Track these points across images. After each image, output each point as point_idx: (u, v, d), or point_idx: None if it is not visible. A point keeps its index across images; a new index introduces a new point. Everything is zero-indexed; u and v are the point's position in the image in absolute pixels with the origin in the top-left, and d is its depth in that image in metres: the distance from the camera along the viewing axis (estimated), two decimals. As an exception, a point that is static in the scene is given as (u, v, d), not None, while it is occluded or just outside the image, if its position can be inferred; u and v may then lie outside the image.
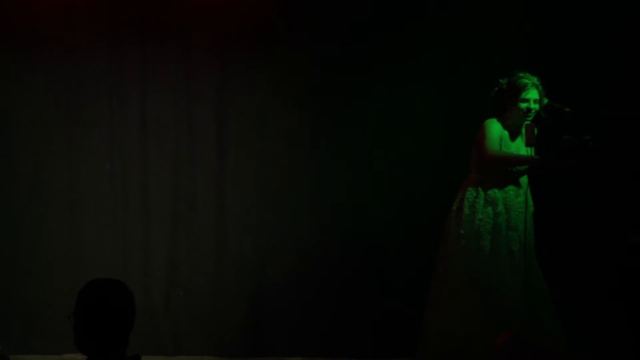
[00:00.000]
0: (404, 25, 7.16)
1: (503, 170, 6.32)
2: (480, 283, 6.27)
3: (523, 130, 6.25)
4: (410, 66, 7.15)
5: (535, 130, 6.25)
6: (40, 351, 5.92)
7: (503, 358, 3.53)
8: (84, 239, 7.14)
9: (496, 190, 6.30)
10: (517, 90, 6.24)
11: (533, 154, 6.28)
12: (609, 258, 6.26)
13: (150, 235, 7.22)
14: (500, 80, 6.28)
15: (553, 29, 7.00)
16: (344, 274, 7.16)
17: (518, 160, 6.27)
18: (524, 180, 6.35)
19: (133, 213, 7.25)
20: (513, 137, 6.44)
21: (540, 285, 6.33)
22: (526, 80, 6.22)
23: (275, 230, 7.23)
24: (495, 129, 6.27)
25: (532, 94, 6.20)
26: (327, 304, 7.11)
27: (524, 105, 6.19)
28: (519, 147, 6.35)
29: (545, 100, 6.21)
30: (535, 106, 6.21)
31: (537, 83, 6.24)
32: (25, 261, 7.12)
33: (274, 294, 7.19)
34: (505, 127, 6.31)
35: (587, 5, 6.92)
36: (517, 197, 6.30)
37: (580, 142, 5.91)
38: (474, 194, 6.35)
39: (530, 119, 6.23)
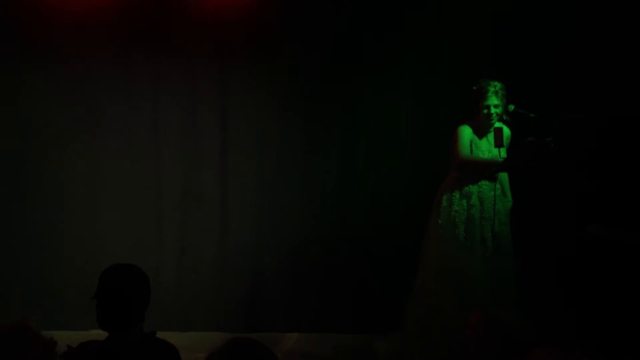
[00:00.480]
0: (387, 36, 7.31)
1: (474, 170, 6.50)
2: (453, 267, 6.48)
3: (492, 132, 6.38)
4: (392, 73, 7.36)
5: (507, 132, 6.48)
6: (68, 327, 5.97)
7: (476, 335, 3.59)
8: (104, 228, 7.36)
9: (470, 185, 6.51)
10: (480, 97, 6.42)
11: (504, 154, 6.39)
12: (568, 246, 6.30)
13: (162, 224, 7.47)
14: (473, 87, 6.45)
15: (520, 43, 7.09)
16: (333, 260, 7.37)
17: (485, 163, 6.42)
18: (503, 176, 6.53)
19: (147, 206, 7.46)
20: (482, 139, 6.60)
21: (507, 273, 6.52)
22: (487, 87, 6.39)
23: (271, 220, 7.44)
24: (465, 133, 6.47)
25: (492, 100, 6.37)
26: (318, 285, 7.36)
27: (485, 110, 6.39)
28: (490, 148, 6.49)
29: (512, 107, 6.35)
30: (495, 110, 6.38)
31: (498, 89, 6.40)
32: (55, 248, 7.35)
33: (271, 277, 7.42)
34: (475, 130, 6.49)
35: (550, 22, 7.04)
36: (491, 190, 6.47)
37: (542, 143, 6.13)
38: (451, 189, 6.58)
39: (493, 122, 6.42)
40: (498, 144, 6.32)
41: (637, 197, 5.85)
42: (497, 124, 6.46)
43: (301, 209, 7.45)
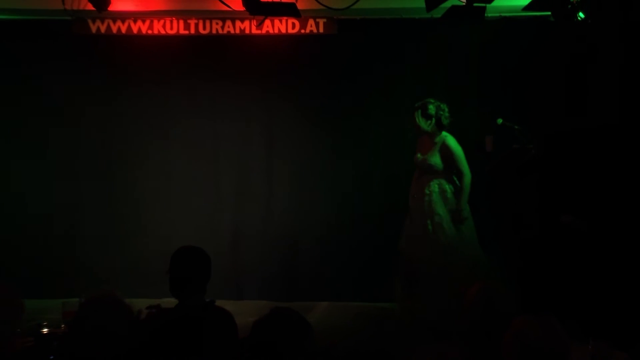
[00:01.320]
0: (392, 67, 7.31)
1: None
2: (427, 251, 6.19)
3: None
4: (396, 94, 7.28)
5: (445, 141, 6.22)
6: (146, 296, 5.80)
7: (475, 304, 3.29)
8: (174, 217, 7.39)
9: (444, 184, 6.28)
10: None
11: (420, 157, 6.30)
12: (544, 233, 6.14)
13: (220, 215, 7.47)
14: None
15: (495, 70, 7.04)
16: (354, 240, 7.27)
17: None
18: (466, 181, 6.20)
19: (207, 200, 7.48)
20: (421, 145, 6.43)
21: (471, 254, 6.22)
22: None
23: (305, 210, 7.41)
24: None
25: (415, 116, 6.30)
26: (343, 261, 7.24)
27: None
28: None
29: (500, 120, 6.24)
30: (417, 124, 6.28)
31: (417, 106, 6.28)
32: (136, 232, 7.41)
33: (305, 256, 7.38)
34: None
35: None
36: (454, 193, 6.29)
37: (525, 149, 6.06)
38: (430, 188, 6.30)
39: (418, 133, 6.34)
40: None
41: (597, 195, 5.79)
42: (445, 135, 6.29)
43: (328, 201, 7.40)
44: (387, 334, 6.09)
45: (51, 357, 3.48)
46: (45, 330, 4.07)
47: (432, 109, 6.26)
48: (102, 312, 2.86)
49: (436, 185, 6.30)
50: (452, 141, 6.30)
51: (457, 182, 6.29)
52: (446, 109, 6.28)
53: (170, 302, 3.84)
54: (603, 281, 5.37)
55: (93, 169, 7.48)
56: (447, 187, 6.29)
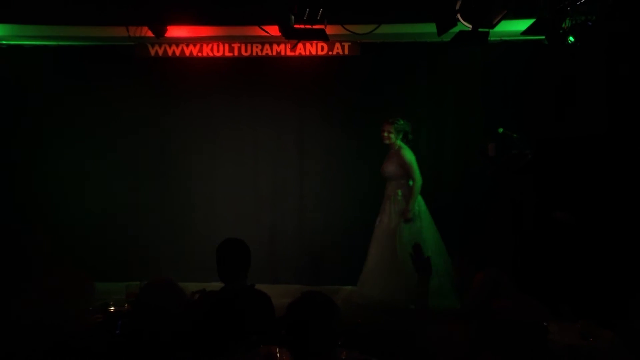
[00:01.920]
0: (408, 84, 7.27)
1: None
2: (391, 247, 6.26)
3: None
4: (411, 107, 7.15)
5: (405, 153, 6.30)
6: (196, 280, 5.71)
7: (482, 288, 3.33)
8: (218, 213, 7.39)
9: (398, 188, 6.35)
10: None
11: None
12: (539, 226, 6.01)
13: (258, 211, 7.45)
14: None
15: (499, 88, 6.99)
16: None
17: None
18: (417, 186, 6.25)
19: (248, 197, 7.45)
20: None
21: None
22: None
23: (331, 206, 7.38)
24: None
25: (388, 129, 6.35)
26: (366, 249, 6.75)
27: None
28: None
29: (501, 130, 6.24)
30: (388, 136, 6.34)
31: (390, 121, 6.34)
32: (188, 226, 7.42)
33: (332, 246, 7.29)
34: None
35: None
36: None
37: (523, 154, 6.10)
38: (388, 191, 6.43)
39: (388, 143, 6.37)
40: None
41: (585, 193, 5.75)
42: (402, 146, 6.36)
43: (352, 197, 7.34)
44: (405, 315, 5.98)
45: (117, 332, 3.52)
46: (112, 308, 4.15)
47: (403, 125, 6.37)
48: (160, 293, 2.90)
49: (394, 189, 6.38)
50: (407, 152, 6.36)
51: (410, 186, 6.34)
52: (410, 127, 6.41)
53: (216, 285, 3.87)
54: (591, 267, 5.35)
55: (151, 172, 7.51)
56: (399, 192, 6.35)
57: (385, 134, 6.36)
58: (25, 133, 7.37)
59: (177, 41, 7.23)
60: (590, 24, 5.62)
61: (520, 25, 5.98)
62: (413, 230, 6.23)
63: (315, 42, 7.12)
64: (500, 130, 6.29)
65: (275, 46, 7.28)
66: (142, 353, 2.75)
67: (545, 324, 2.92)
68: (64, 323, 2.90)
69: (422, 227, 6.30)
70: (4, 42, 7.28)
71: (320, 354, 2.67)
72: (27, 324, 2.83)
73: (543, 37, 6.07)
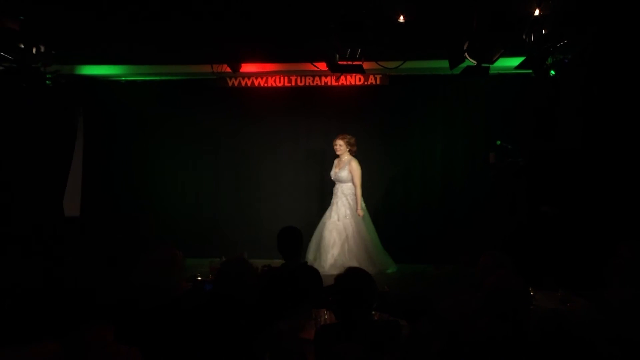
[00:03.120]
0: (425, 110, 7.16)
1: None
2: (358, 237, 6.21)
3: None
4: (429, 122, 7.16)
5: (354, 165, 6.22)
6: (263, 257, 5.60)
7: (486, 267, 3.14)
8: (280, 206, 7.30)
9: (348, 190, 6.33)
10: None
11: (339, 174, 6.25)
12: (531, 217, 5.83)
13: (310, 203, 7.28)
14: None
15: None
16: (399, 219, 7.12)
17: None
18: (357, 192, 6.25)
19: (300, 194, 7.35)
20: (337, 164, 6.40)
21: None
22: None
23: (372, 198, 6.91)
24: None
25: (341, 142, 6.32)
26: (392, 232, 6.85)
27: None
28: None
29: (498, 142, 6.07)
30: (339, 147, 6.30)
31: (341, 136, 6.32)
32: (256, 216, 7.32)
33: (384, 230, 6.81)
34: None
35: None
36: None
37: (516, 162, 5.94)
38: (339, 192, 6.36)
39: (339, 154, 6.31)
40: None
41: (566, 192, 5.65)
42: (352, 158, 6.31)
43: (379, 193, 7.19)
44: (425, 286, 5.95)
45: (205, 295, 3.51)
46: (199, 278, 4.18)
47: (352, 140, 6.37)
48: (236, 267, 2.87)
49: (343, 190, 6.35)
50: (355, 163, 6.35)
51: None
52: (355, 141, 6.37)
53: (278, 262, 3.86)
54: (569, 248, 5.25)
55: (229, 174, 7.48)
56: (348, 192, 6.34)
57: (338, 146, 6.35)
58: (139, 147, 7.49)
59: (248, 75, 7.19)
60: (566, 61, 5.61)
61: (514, 61, 5.94)
62: (360, 219, 6.29)
63: (354, 74, 7.05)
64: (498, 142, 6.14)
65: (323, 78, 7.20)
66: (224, 313, 2.74)
67: (531, 292, 2.85)
68: (169, 287, 2.94)
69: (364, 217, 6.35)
70: (123, 78, 7.39)
71: (358, 315, 2.63)
72: (145, 284, 2.91)
73: (531, 71, 5.96)
